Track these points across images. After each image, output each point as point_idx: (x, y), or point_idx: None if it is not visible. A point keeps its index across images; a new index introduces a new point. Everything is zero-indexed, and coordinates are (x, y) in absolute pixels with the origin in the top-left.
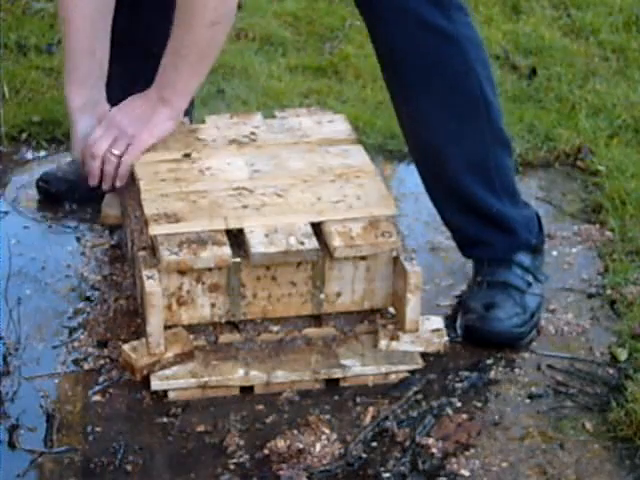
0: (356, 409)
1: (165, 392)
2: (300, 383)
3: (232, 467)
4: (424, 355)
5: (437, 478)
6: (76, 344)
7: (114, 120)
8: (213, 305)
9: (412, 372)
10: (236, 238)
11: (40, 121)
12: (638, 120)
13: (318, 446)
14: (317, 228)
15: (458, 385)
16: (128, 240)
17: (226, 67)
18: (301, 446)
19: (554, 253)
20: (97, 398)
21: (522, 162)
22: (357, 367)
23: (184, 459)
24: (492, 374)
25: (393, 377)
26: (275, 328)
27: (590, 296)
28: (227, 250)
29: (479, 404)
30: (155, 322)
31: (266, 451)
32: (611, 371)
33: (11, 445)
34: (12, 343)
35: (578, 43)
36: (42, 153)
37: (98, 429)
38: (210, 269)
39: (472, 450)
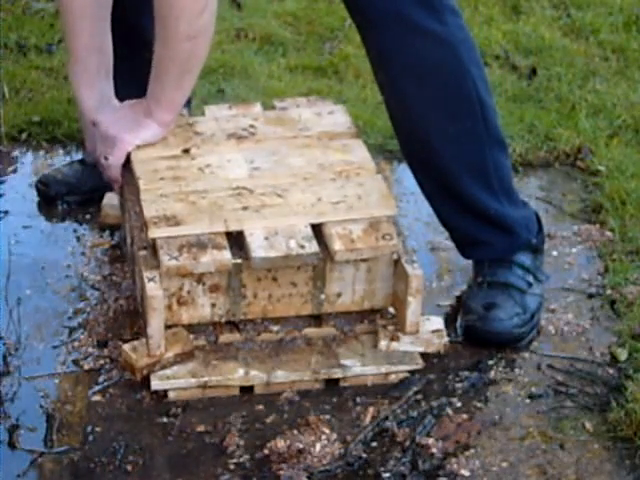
0: (356, 409)
1: (165, 392)
2: (300, 383)
3: (232, 467)
4: (424, 355)
5: (437, 478)
6: (76, 344)
7: (102, 126)
8: (213, 305)
9: (412, 372)
10: (236, 239)
11: (40, 121)
12: (638, 120)
13: (318, 446)
14: (317, 229)
15: (458, 385)
16: (128, 237)
17: (226, 67)
18: (301, 446)
19: (554, 253)
20: (97, 398)
21: (522, 162)
22: (357, 367)
23: (184, 459)
24: (492, 374)
25: (393, 377)
26: (275, 328)
27: (590, 296)
28: (227, 254)
29: (479, 404)
30: (156, 324)
31: (266, 451)
32: (611, 371)
33: (11, 445)
34: (12, 343)
35: (578, 43)
36: (42, 153)
37: (98, 429)
38: (211, 272)
39: (472, 450)
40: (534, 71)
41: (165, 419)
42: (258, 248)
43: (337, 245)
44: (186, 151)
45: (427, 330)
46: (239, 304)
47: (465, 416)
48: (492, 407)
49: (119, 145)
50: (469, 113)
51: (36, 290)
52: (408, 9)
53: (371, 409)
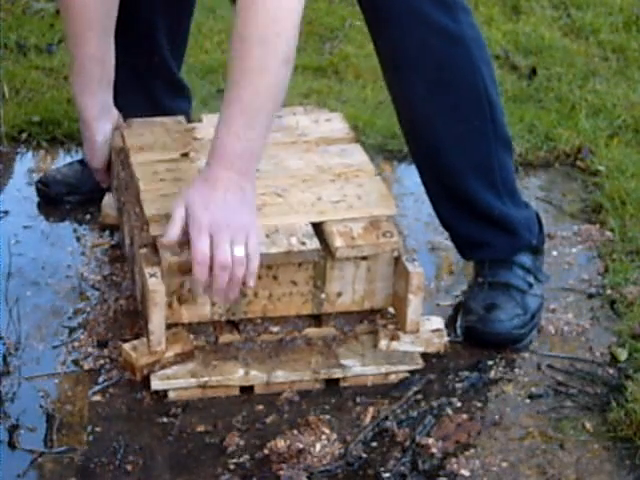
0: (356, 409)
1: (165, 392)
2: (300, 383)
3: (232, 467)
4: (424, 355)
5: (437, 478)
6: (76, 344)
7: (206, 220)
8: (214, 303)
9: (412, 372)
10: None
11: (40, 121)
12: (638, 120)
13: (318, 446)
14: (318, 228)
15: (458, 385)
16: (127, 238)
17: (226, 67)
18: (301, 446)
19: (554, 253)
20: (97, 398)
21: (522, 162)
22: (357, 367)
23: (184, 459)
24: (492, 374)
25: (393, 377)
26: (275, 329)
27: (590, 296)
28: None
29: (479, 404)
30: (157, 320)
31: (266, 451)
32: (611, 371)
33: (11, 445)
34: (12, 343)
35: (578, 43)
36: (42, 153)
37: (98, 429)
38: None
39: (472, 450)
40: (534, 71)
41: (165, 419)
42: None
43: (338, 242)
44: (185, 155)
45: (427, 330)
46: (239, 303)
47: (465, 416)
48: (492, 407)
49: (252, 231)
50: (478, 112)
51: (36, 290)
52: (423, 6)
53: (371, 409)
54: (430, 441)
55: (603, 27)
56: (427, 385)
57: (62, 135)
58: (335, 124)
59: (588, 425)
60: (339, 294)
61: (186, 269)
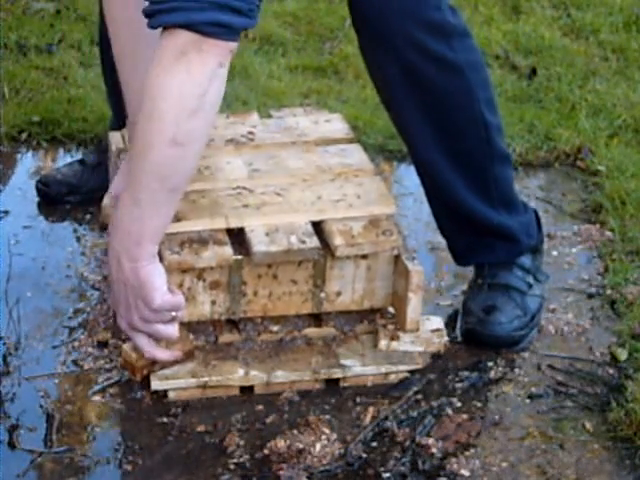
0: (356, 409)
1: (165, 392)
2: (300, 383)
3: (232, 467)
4: (424, 355)
5: (437, 478)
6: (76, 344)
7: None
8: (213, 302)
9: (412, 372)
10: (237, 237)
11: (40, 121)
12: (638, 120)
13: (318, 446)
14: (317, 227)
15: (458, 385)
16: None
17: None
18: (301, 446)
19: (554, 253)
20: (97, 398)
21: (522, 162)
22: (357, 367)
23: (184, 459)
24: (492, 374)
25: (393, 377)
26: (275, 328)
27: (590, 296)
28: (228, 250)
29: (479, 404)
30: None
31: (266, 451)
32: (611, 371)
33: (11, 445)
34: (12, 343)
35: (578, 43)
36: (42, 153)
37: (98, 429)
38: (212, 267)
39: (472, 450)
40: (534, 71)
41: (165, 419)
42: (259, 243)
43: (338, 240)
44: None
45: (427, 330)
46: (239, 302)
47: (465, 416)
48: (492, 407)
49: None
50: (473, 135)
51: (36, 290)
52: (419, 35)
53: (371, 409)
54: (430, 441)
55: (603, 27)
56: (427, 385)
57: (62, 135)
58: (335, 125)
59: (588, 425)
60: (339, 293)
61: (186, 267)
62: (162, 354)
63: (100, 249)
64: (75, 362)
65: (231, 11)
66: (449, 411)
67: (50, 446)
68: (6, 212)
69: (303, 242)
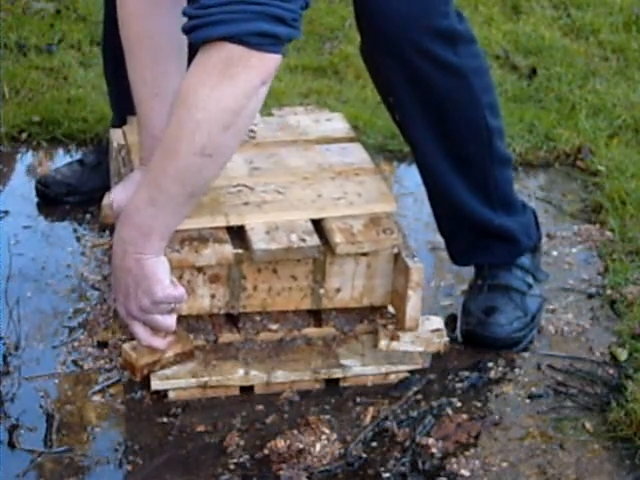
0: (356, 409)
1: (165, 392)
2: (300, 383)
3: (232, 467)
4: (424, 355)
5: (437, 478)
6: (76, 344)
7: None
8: (213, 296)
9: (412, 372)
10: (237, 234)
11: (40, 121)
12: (638, 120)
13: (318, 446)
14: (318, 225)
15: (458, 385)
16: None
17: None
18: (301, 446)
19: (554, 253)
20: (97, 398)
21: (522, 162)
22: (357, 367)
23: (184, 459)
24: (492, 374)
25: (393, 377)
26: (274, 326)
27: (590, 296)
28: (228, 247)
29: (479, 404)
30: None
31: (266, 451)
32: (611, 371)
33: (11, 445)
34: (12, 343)
35: (578, 43)
36: (42, 153)
37: (98, 429)
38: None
39: (472, 450)
40: (534, 71)
41: (165, 419)
42: (259, 241)
43: (338, 238)
44: None
45: (427, 330)
46: (239, 296)
47: (465, 416)
48: (492, 407)
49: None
50: (476, 140)
51: (36, 290)
52: (426, 41)
53: (371, 409)
54: (430, 441)
55: (603, 27)
56: (427, 385)
57: (62, 135)
58: (336, 124)
59: (588, 425)
60: (338, 290)
61: (187, 264)
62: (158, 342)
63: (100, 249)
64: (75, 362)
65: (276, 21)
66: (449, 411)
67: (50, 446)
68: (6, 212)
69: (303, 240)
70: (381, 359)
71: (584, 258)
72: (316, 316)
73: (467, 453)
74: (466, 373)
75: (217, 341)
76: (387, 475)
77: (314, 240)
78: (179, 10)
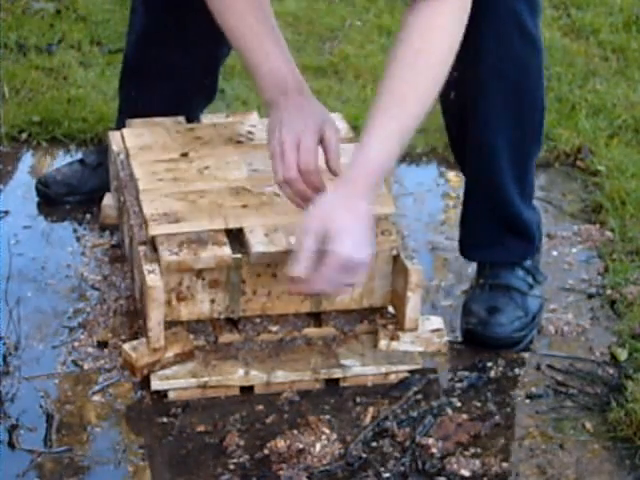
0: (356, 409)
1: (165, 392)
2: (300, 383)
3: (232, 467)
4: (424, 355)
5: (437, 478)
6: (76, 344)
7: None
8: (212, 301)
9: (412, 372)
10: (236, 237)
11: (40, 121)
12: (638, 120)
13: (318, 446)
14: None
15: (458, 385)
16: (126, 236)
17: (226, 67)
18: (301, 446)
19: (554, 253)
20: (97, 398)
21: None
22: (357, 367)
23: (184, 459)
24: (492, 374)
25: (393, 377)
26: (274, 328)
27: (590, 296)
28: (227, 250)
29: (479, 404)
30: (155, 317)
31: (266, 451)
32: (611, 371)
33: (11, 445)
34: (12, 343)
35: (578, 43)
36: (42, 153)
37: (98, 429)
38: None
39: (472, 450)
40: None
41: (165, 419)
42: (258, 244)
43: None
44: (184, 155)
45: (427, 330)
46: (238, 300)
47: (465, 416)
48: (492, 407)
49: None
50: (534, 119)
51: (36, 290)
52: (520, 6)
53: (371, 409)
54: (430, 441)
55: (603, 27)
56: (427, 385)
57: (62, 135)
58: None
59: (588, 425)
60: None
61: (185, 267)
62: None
63: (100, 249)
64: (75, 362)
65: None
66: (449, 411)
67: (50, 446)
68: (6, 212)
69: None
70: (381, 359)
71: (584, 258)
72: (316, 316)
73: (467, 453)
74: (466, 373)
75: (217, 341)
76: (387, 475)
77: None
78: None
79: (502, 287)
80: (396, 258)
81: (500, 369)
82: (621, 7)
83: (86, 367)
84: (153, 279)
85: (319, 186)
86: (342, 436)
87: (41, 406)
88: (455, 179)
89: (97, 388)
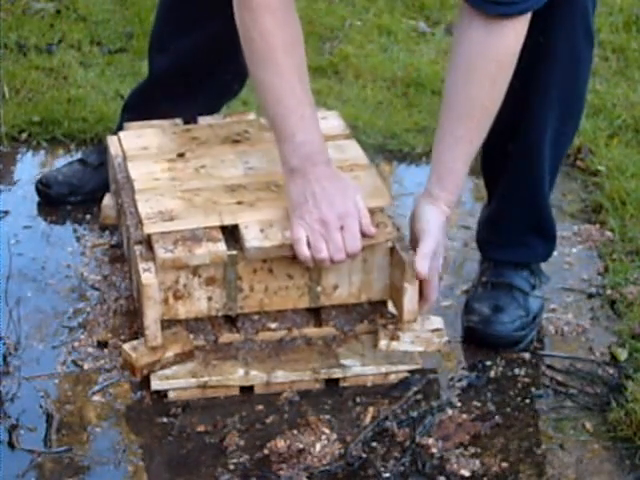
0: (356, 409)
1: (165, 392)
2: (300, 383)
3: (232, 467)
4: (424, 355)
5: (437, 478)
6: (76, 344)
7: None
8: (210, 298)
9: (412, 372)
10: (232, 234)
11: (40, 121)
12: (638, 120)
13: (318, 446)
14: None
15: (458, 385)
16: (124, 237)
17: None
18: (301, 446)
19: (554, 253)
20: (97, 398)
21: None
22: (357, 367)
23: (184, 459)
24: (492, 374)
25: (393, 377)
26: (273, 325)
27: (590, 296)
28: (222, 246)
29: (479, 404)
30: (152, 314)
31: (266, 451)
32: (611, 371)
33: (11, 445)
34: (12, 343)
35: None
36: (42, 153)
37: (98, 429)
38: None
39: (472, 450)
40: None
41: (165, 419)
42: (253, 239)
43: None
44: (181, 155)
45: (427, 329)
46: (235, 297)
47: (465, 416)
48: (492, 407)
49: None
50: (576, 120)
51: (36, 290)
52: (587, 13)
53: (371, 409)
54: (430, 441)
55: (603, 27)
56: (427, 385)
57: (62, 135)
58: (331, 121)
59: (588, 425)
60: (335, 286)
61: (180, 264)
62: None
63: (100, 249)
64: (75, 362)
65: None
66: (449, 411)
67: (50, 446)
68: (6, 212)
69: None
70: (381, 359)
71: (584, 258)
72: (316, 316)
73: (467, 453)
74: (466, 373)
75: (217, 341)
76: (387, 475)
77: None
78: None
79: (505, 286)
80: (392, 251)
81: (500, 369)
82: (621, 7)
83: (86, 367)
84: (148, 277)
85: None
86: (342, 436)
87: (41, 406)
88: None
89: (97, 388)
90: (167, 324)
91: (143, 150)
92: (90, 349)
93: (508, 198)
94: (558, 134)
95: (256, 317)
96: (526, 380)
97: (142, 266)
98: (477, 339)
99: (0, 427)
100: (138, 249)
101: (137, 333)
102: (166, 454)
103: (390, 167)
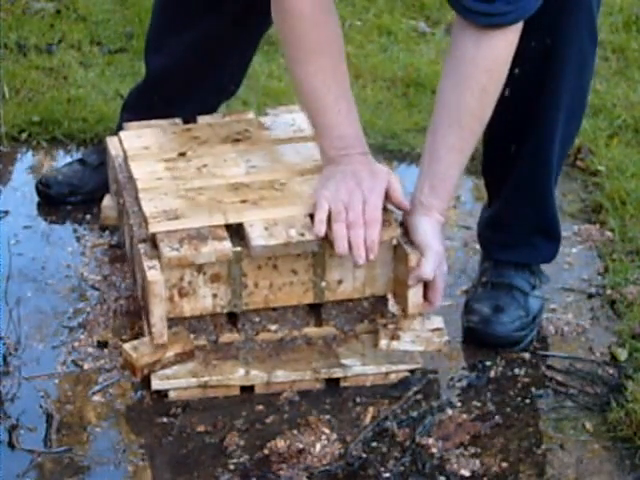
0: (356, 409)
1: (165, 392)
2: (300, 383)
3: (232, 467)
4: (424, 355)
5: (437, 478)
6: (76, 344)
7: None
8: (215, 295)
9: (412, 372)
10: (236, 232)
11: (40, 121)
12: (638, 120)
13: (318, 446)
14: None
15: (458, 385)
16: (127, 237)
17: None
18: (301, 446)
19: None
20: (97, 398)
21: None
22: (357, 367)
23: (184, 459)
24: (492, 374)
25: (393, 377)
26: (273, 327)
27: (590, 296)
28: (227, 244)
29: (479, 404)
30: (158, 312)
31: (266, 451)
32: (611, 371)
33: (11, 445)
34: (12, 343)
35: None
36: (42, 153)
37: (98, 429)
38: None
39: (472, 450)
40: None
41: (165, 419)
42: (258, 237)
43: None
44: (182, 154)
45: (427, 329)
46: (240, 294)
47: (465, 416)
48: (492, 407)
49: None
50: (580, 116)
51: (36, 290)
52: (593, 11)
53: (371, 409)
54: (430, 441)
55: (603, 27)
56: (427, 385)
57: (62, 135)
58: None
59: (588, 425)
60: (340, 282)
61: (186, 263)
62: None
63: (100, 249)
64: (75, 362)
65: None
66: (449, 411)
67: (50, 446)
68: (6, 212)
69: (302, 235)
70: (381, 359)
71: (584, 258)
72: (316, 315)
73: (467, 453)
74: (466, 373)
75: (217, 341)
76: (387, 475)
77: (313, 234)
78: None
79: (505, 286)
80: (396, 246)
81: (500, 369)
82: (621, 7)
83: (86, 367)
84: (154, 274)
85: (373, 243)
86: (342, 436)
87: (41, 406)
88: None
89: (97, 388)
90: (168, 324)
91: (144, 150)
92: (90, 349)
93: (515, 199)
94: (564, 140)
95: (257, 319)
96: (526, 380)
97: (147, 264)
98: (477, 339)
99: (0, 427)
100: (142, 247)
101: (138, 333)
102: (166, 454)
103: (390, 167)
